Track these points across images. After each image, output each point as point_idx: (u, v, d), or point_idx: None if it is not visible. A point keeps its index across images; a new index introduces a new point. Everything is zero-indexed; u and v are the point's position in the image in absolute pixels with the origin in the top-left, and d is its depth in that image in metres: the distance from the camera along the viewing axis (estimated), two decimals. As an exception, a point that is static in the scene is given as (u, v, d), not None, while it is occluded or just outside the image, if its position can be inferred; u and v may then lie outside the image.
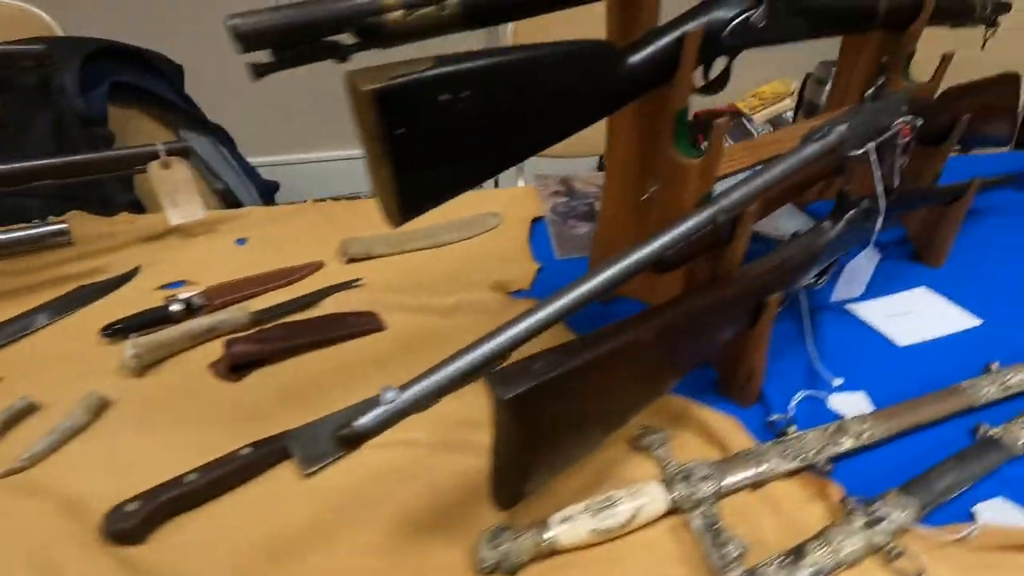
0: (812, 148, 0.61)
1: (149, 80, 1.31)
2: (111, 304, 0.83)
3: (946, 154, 0.83)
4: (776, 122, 2.57)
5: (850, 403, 0.63)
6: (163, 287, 0.86)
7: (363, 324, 0.76)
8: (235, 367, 0.68)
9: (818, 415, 0.63)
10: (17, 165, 0.78)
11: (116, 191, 1.24)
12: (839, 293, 0.75)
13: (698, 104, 3.07)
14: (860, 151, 0.65)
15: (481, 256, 0.92)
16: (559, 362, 0.43)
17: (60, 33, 1.42)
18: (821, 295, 0.77)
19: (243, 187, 1.47)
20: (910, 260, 0.90)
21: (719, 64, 0.63)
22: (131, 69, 1.28)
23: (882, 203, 0.67)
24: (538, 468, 0.46)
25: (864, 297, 0.81)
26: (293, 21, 0.40)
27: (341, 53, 0.43)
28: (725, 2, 0.57)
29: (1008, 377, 0.64)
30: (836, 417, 0.61)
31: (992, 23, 0.99)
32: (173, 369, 0.71)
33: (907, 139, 0.69)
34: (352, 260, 0.91)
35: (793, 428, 0.58)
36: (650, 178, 0.64)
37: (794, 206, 1.00)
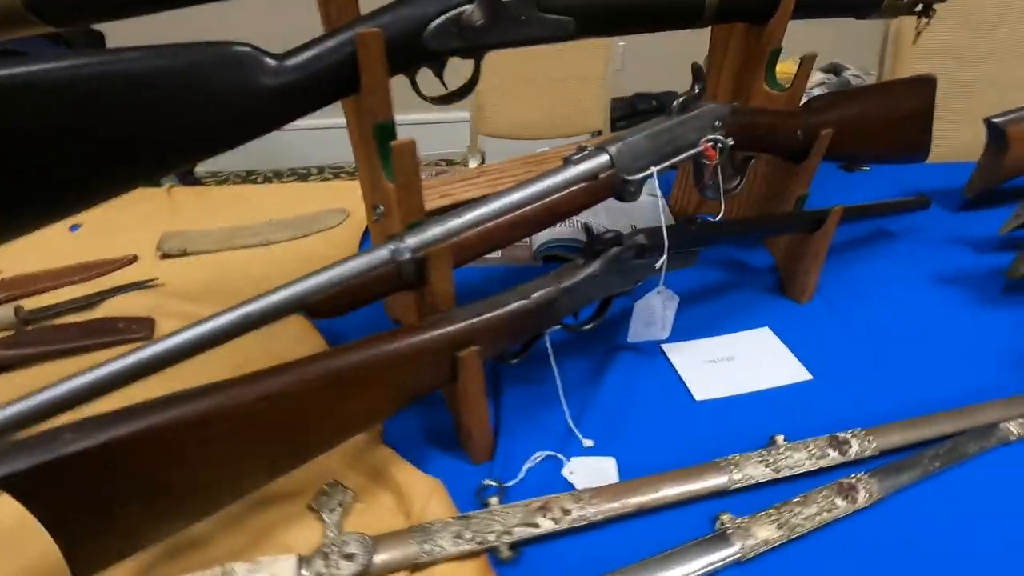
0: (556, 178, 0.52)
1: (41, 46, 1.27)
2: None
3: (809, 173, 0.70)
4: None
5: (590, 472, 0.55)
6: (-31, 274, 0.83)
7: (131, 332, 0.71)
8: (-31, 373, 0.65)
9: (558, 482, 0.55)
10: None
11: None
12: (637, 334, 0.66)
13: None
14: (639, 176, 0.55)
15: (301, 260, 0.85)
16: (95, 432, 0.37)
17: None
18: (621, 334, 0.67)
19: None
20: (774, 292, 0.79)
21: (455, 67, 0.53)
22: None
23: (665, 238, 0.57)
24: (105, 539, 0.40)
25: (697, 335, 0.71)
26: None
27: None
28: (423, -2, 0.47)
29: (785, 456, 0.54)
30: (568, 487, 0.54)
31: (923, 13, 0.83)
32: (-77, 368, 0.69)
33: (712, 162, 0.59)
34: (167, 256, 0.86)
35: (495, 499, 0.51)
36: (377, 199, 0.55)
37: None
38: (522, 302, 0.51)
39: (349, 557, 0.46)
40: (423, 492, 0.52)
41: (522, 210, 0.51)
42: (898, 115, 0.75)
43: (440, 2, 0.47)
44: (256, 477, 0.45)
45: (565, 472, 0.55)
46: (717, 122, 0.59)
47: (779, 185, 0.74)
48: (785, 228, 0.71)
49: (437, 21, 0.47)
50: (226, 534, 0.50)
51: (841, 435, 0.56)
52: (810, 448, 0.55)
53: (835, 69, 2.10)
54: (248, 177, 2.58)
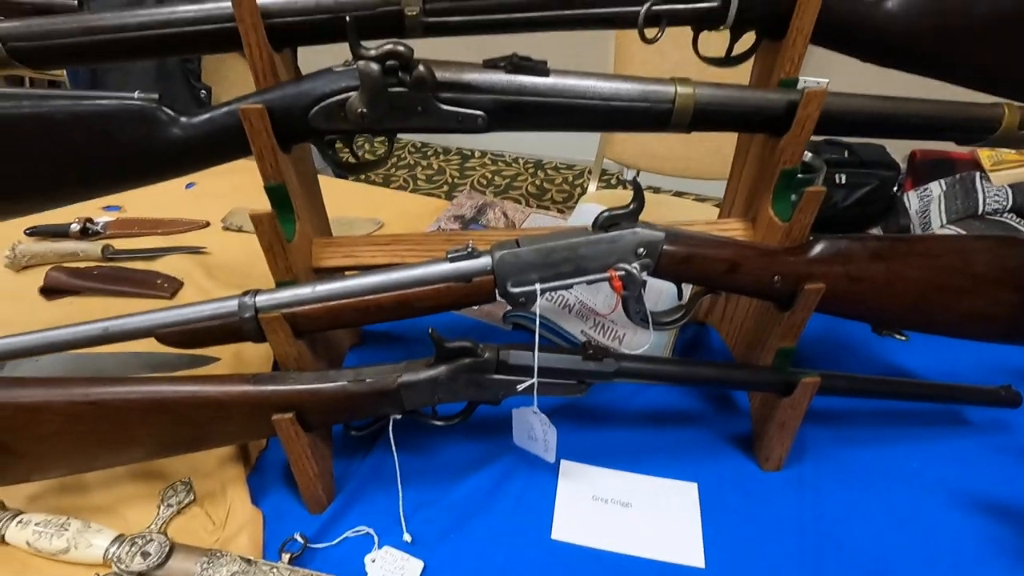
0: (421, 271, 0.51)
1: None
2: (67, 210, 1.07)
3: (793, 328, 0.57)
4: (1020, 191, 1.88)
5: (390, 568, 0.54)
6: (105, 208, 1.08)
7: (160, 289, 0.87)
8: (49, 289, 0.86)
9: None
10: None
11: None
12: (521, 442, 0.61)
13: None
14: (524, 289, 0.51)
15: (317, 260, 0.94)
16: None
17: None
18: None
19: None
20: (741, 444, 0.66)
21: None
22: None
23: (535, 364, 0.52)
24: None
25: (611, 461, 0.63)
26: None
27: None
28: (317, 78, 0.48)
29: (578, 647, 0.47)
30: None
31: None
32: (39, 273, 0.92)
33: (619, 294, 0.52)
34: (227, 229, 1.01)
35: (288, 556, 0.53)
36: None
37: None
38: (347, 384, 0.51)
39: (144, 555, 0.52)
40: (240, 520, 0.56)
41: (376, 296, 0.51)
42: (960, 283, 0.56)
43: (325, 86, 0.48)
44: (92, 462, 0.53)
45: (367, 559, 0.54)
46: (641, 249, 0.51)
47: (762, 329, 0.61)
48: (736, 385, 0.58)
49: (322, 104, 0.48)
50: (101, 489, 0.60)
51: (662, 654, 0.47)
52: (614, 652, 0.47)
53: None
54: (421, 148, 2.83)
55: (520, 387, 0.53)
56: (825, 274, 0.54)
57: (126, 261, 0.93)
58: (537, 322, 0.52)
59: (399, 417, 0.54)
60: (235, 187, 1.14)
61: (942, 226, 2.08)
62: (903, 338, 0.59)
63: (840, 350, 0.72)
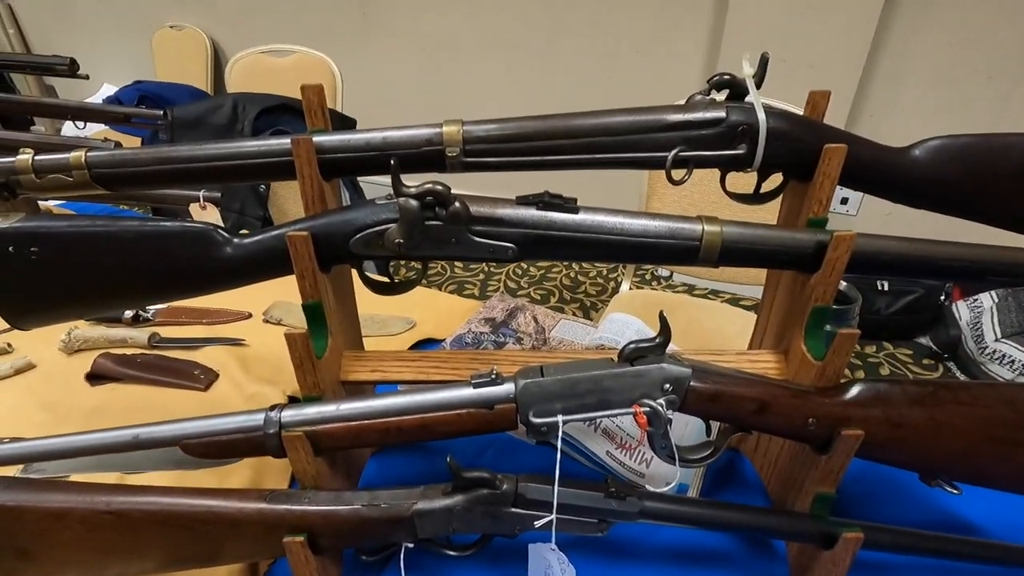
0: (444, 395, 0.51)
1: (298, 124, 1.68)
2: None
3: (831, 474, 0.53)
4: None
5: None
6: (159, 294, 1.14)
7: (196, 379, 0.89)
8: (95, 375, 0.89)
9: None
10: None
11: (252, 206, 1.65)
12: (537, 579, 0.57)
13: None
14: (546, 420, 0.51)
15: (348, 358, 0.96)
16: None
17: (338, 77, 1.87)
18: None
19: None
20: (781, 597, 0.61)
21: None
22: (296, 120, 1.67)
23: (555, 499, 0.50)
24: None
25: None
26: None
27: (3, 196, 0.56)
28: (360, 209, 0.52)
29: None
30: None
31: None
32: (88, 357, 0.96)
33: (643, 430, 0.50)
34: (267, 322, 1.05)
35: None
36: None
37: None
38: (360, 508, 0.50)
39: (138, 677, 0.51)
40: (240, 645, 0.54)
41: (398, 419, 0.51)
42: (1014, 435, 0.52)
43: (367, 217, 0.51)
44: (103, 572, 0.52)
45: None
46: (667, 385, 0.50)
47: (798, 469, 0.58)
48: (770, 533, 0.55)
49: (363, 233, 0.51)
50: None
51: None
52: None
53: None
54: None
55: (538, 523, 0.51)
56: (863, 419, 0.51)
57: (169, 350, 0.97)
58: (558, 458, 0.50)
59: (411, 546, 0.53)
60: (279, 281, 1.20)
61: (996, 340, 1.98)
62: (956, 491, 0.54)
63: (887, 494, 0.67)
